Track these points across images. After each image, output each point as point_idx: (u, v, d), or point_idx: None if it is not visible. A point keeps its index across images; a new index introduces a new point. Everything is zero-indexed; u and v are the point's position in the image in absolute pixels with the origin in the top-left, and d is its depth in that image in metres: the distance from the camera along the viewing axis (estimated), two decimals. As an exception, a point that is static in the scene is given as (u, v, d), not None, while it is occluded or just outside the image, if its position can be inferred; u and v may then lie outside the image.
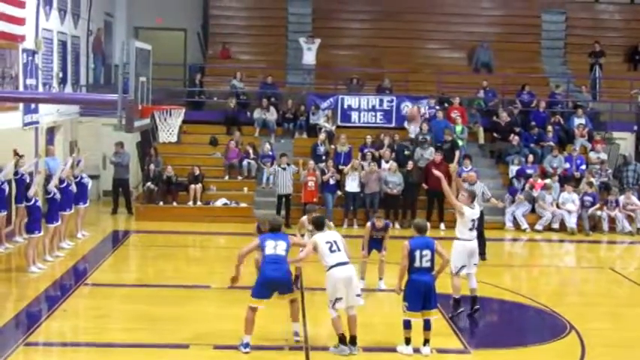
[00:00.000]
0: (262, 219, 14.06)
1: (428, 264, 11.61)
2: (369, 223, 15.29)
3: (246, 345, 11.61)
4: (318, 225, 12.04)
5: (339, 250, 11.53)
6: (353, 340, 11.64)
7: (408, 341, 11.71)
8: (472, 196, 13.89)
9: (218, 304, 14.11)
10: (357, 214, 22.46)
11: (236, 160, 23.84)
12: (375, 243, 15.19)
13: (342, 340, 11.60)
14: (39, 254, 16.50)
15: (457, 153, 23.36)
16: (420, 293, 11.55)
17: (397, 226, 22.18)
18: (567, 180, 23.33)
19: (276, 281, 11.60)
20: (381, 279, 15.39)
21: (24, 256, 16.34)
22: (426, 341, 11.75)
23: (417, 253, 11.55)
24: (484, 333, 13.78)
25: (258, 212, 21.73)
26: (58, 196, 16.88)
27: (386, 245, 15.13)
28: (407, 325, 11.69)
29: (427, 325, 11.72)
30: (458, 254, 13.58)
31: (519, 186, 23.01)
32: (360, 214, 22.43)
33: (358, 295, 11.59)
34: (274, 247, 11.66)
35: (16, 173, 17.98)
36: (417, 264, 11.56)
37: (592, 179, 23.34)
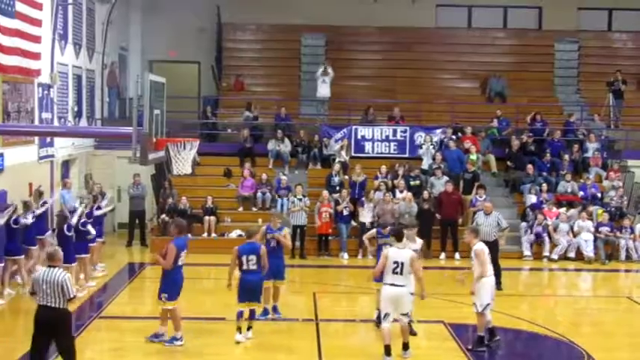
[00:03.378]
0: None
1: (254, 267, 13.48)
2: None
3: None
4: (397, 236, 12.74)
5: (400, 273, 12.26)
6: (405, 346, 12.62)
7: (240, 330, 13.47)
8: (476, 232, 13.89)
9: (233, 337, 14.06)
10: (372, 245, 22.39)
11: (251, 193, 23.87)
12: None
13: (386, 350, 12.33)
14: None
15: (475, 184, 23.40)
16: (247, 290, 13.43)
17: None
18: (582, 207, 23.24)
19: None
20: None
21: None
22: (249, 328, 13.61)
23: (244, 258, 13.45)
24: (501, 363, 13.69)
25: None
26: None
27: None
28: (240, 315, 13.48)
29: (253, 315, 13.63)
30: (485, 291, 13.28)
31: (533, 215, 22.90)
32: (375, 245, 22.33)
33: (404, 314, 12.47)
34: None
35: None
36: (245, 267, 13.46)
37: (595, 207, 23.27)
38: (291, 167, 25.47)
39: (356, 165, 24.04)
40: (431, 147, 25.08)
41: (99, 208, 19.27)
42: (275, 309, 15.17)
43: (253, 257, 13.53)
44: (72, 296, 10.83)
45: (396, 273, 12.24)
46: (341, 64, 29.10)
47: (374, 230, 15.93)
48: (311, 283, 15.58)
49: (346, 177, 23.93)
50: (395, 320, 12.51)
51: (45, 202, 18.29)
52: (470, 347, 13.46)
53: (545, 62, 30.88)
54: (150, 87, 12.25)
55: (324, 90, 27.40)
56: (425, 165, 24.68)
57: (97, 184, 22.26)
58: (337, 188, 23.23)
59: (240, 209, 23.88)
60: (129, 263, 21.61)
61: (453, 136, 25.64)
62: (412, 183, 23.60)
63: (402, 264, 12.24)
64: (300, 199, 22.37)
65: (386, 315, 12.43)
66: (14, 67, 18.25)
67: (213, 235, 22.87)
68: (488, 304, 13.27)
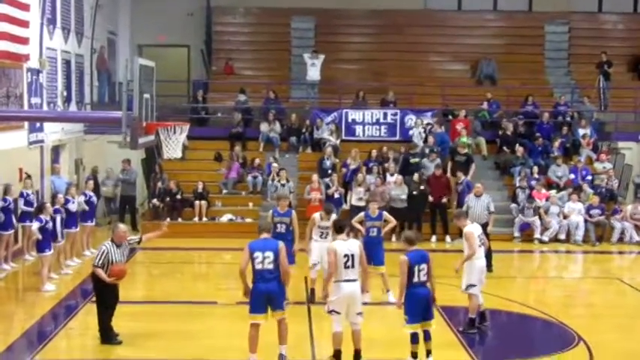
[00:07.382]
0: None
1: (425, 277, 11.52)
2: None
3: None
4: (338, 228, 11.76)
5: (352, 267, 11.27)
6: (357, 355, 11.52)
7: (414, 355, 11.64)
8: (464, 214, 14.09)
9: (225, 321, 14.08)
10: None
11: (235, 177, 23.88)
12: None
13: (336, 355, 11.46)
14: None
15: (472, 166, 23.49)
16: (420, 305, 11.51)
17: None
18: (574, 190, 23.27)
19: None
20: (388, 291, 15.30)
21: (40, 275, 16.33)
22: (429, 352, 11.69)
23: (416, 268, 11.43)
24: (492, 345, 13.69)
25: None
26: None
27: None
28: (414, 339, 11.59)
29: (427, 336, 11.66)
30: (472, 272, 13.27)
31: (524, 196, 22.94)
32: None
33: (359, 314, 11.44)
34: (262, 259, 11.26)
35: (22, 194, 18.09)
36: (415, 279, 11.44)
37: (590, 190, 23.30)
38: (282, 151, 25.44)
39: (352, 150, 23.98)
40: (422, 130, 25.10)
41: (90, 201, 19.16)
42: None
43: (424, 266, 11.62)
44: (95, 264, 12.60)
45: (348, 267, 11.23)
46: (331, 48, 29.02)
47: (362, 214, 15.93)
48: (302, 267, 15.60)
49: (337, 160, 23.89)
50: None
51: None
52: (461, 329, 13.51)
53: (535, 44, 30.85)
54: (139, 71, 12.22)
55: (313, 73, 27.33)
56: (418, 148, 24.66)
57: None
58: (329, 172, 23.20)
59: (224, 192, 23.91)
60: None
61: (442, 119, 25.69)
62: (412, 160, 23.60)
63: (353, 256, 11.26)
64: (284, 185, 22.30)
65: (335, 313, 11.38)
66: (3, 52, 18.15)
67: (204, 219, 22.86)
68: (472, 285, 13.23)
